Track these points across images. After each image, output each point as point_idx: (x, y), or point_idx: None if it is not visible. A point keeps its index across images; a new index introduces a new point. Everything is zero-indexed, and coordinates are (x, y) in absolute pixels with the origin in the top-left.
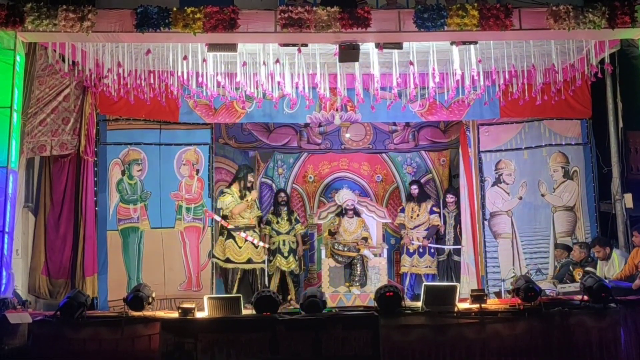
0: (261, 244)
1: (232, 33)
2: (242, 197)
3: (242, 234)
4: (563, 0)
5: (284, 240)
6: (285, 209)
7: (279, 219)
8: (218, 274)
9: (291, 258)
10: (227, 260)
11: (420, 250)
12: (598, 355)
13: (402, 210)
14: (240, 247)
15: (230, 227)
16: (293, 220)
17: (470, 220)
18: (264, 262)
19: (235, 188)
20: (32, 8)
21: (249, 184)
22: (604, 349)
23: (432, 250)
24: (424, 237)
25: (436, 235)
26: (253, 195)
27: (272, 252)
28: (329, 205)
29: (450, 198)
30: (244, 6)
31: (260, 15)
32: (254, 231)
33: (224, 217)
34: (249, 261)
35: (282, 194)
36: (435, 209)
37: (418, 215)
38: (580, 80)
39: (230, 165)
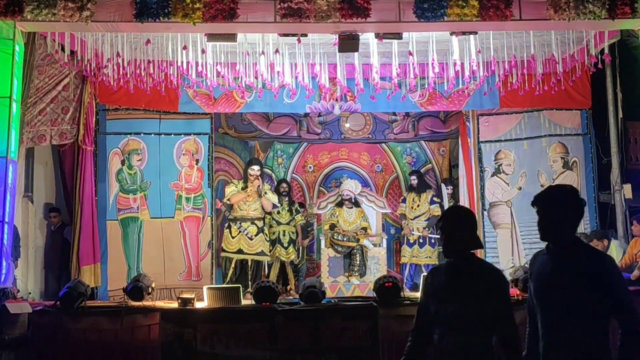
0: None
1: (231, 23)
2: (244, 189)
3: (236, 225)
4: None
5: (284, 231)
6: (287, 199)
7: (280, 209)
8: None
9: (291, 249)
10: (222, 249)
11: (421, 240)
12: None
13: (404, 201)
14: (233, 237)
15: (230, 217)
16: (294, 211)
17: None
18: (257, 254)
19: (242, 180)
20: None
21: (250, 177)
22: None
23: (433, 241)
24: (424, 228)
25: (436, 225)
26: (253, 186)
27: (272, 242)
28: (328, 195)
29: (448, 190)
30: None
31: (260, 5)
32: (253, 223)
33: (229, 208)
34: (239, 251)
35: (284, 185)
36: (435, 199)
37: (418, 206)
38: (580, 71)
39: (230, 155)
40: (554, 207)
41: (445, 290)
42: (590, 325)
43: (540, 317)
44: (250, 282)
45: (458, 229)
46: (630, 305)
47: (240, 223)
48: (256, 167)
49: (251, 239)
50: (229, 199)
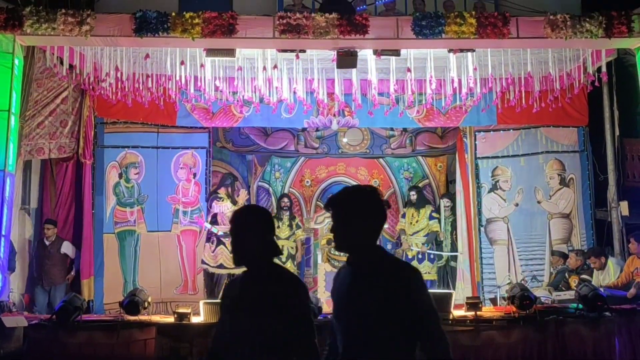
0: None
1: (230, 38)
2: (233, 203)
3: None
4: (560, 9)
5: (282, 246)
6: (287, 214)
7: (280, 224)
8: (207, 280)
9: (289, 264)
10: (220, 266)
11: (419, 256)
12: None
13: (403, 216)
14: (230, 253)
15: (220, 233)
16: (294, 226)
17: (467, 227)
18: None
19: (223, 193)
20: (31, 12)
21: (236, 191)
22: (598, 358)
23: (432, 256)
24: (422, 243)
25: (435, 241)
26: (243, 198)
27: None
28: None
29: (446, 203)
30: (243, 12)
31: (259, 21)
32: None
33: (213, 223)
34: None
35: (285, 199)
36: (434, 214)
37: (417, 221)
38: (577, 88)
39: (227, 169)
40: (349, 211)
41: (236, 305)
42: (392, 351)
43: (339, 339)
44: None
45: (249, 232)
46: (437, 331)
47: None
48: (238, 182)
49: None
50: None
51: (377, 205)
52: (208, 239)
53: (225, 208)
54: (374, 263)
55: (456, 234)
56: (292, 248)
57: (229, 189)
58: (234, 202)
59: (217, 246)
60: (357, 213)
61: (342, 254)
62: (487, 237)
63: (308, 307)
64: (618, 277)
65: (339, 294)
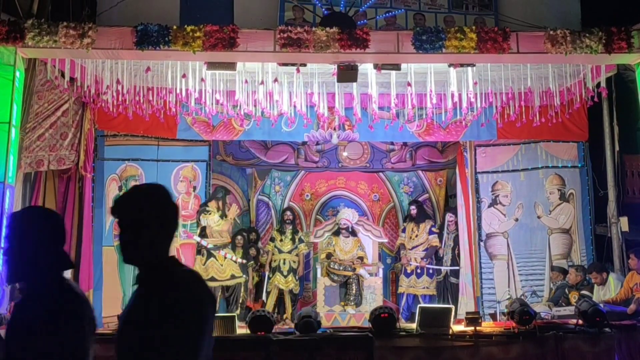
0: (239, 259)
1: (231, 52)
2: (222, 217)
3: (222, 252)
4: (561, 24)
5: (284, 260)
6: (291, 227)
7: (283, 237)
8: None
9: (290, 277)
10: (212, 279)
11: (418, 271)
12: None
13: (404, 231)
14: (222, 265)
15: (210, 246)
16: (297, 240)
17: (468, 241)
18: (240, 277)
19: (213, 206)
20: (32, 24)
21: (227, 205)
22: None
23: (431, 271)
24: (422, 258)
25: (435, 255)
26: (233, 212)
27: (272, 270)
28: (325, 223)
29: (450, 217)
30: (244, 25)
31: (260, 34)
32: (229, 248)
33: (202, 236)
34: (232, 277)
35: (289, 213)
36: (434, 229)
37: (417, 236)
38: (577, 103)
39: (228, 183)
40: (132, 217)
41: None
42: None
43: None
44: (240, 306)
45: (30, 241)
46: None
47: (222, 250)
48: (229, 196)
49: (235, 262)
50: (220, 228)
51: (163, 209)
52: (198, 252)
53: (211, 221)
54: (158, 281)
55: (458, 249)
56: (294, 262)
57: (220, 203)
58: (224, 216)
59: (207, 259)
60: (141, 218)
61: (341, 268)
62: (487, 252)
63: (61, 341)
64: (618, 292)
65: (122, 314)
